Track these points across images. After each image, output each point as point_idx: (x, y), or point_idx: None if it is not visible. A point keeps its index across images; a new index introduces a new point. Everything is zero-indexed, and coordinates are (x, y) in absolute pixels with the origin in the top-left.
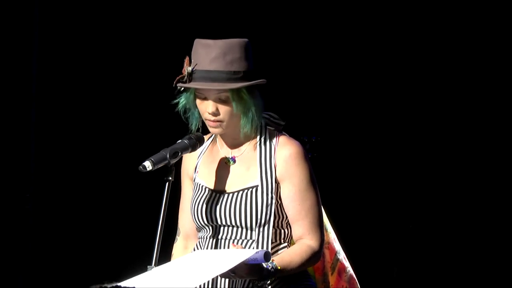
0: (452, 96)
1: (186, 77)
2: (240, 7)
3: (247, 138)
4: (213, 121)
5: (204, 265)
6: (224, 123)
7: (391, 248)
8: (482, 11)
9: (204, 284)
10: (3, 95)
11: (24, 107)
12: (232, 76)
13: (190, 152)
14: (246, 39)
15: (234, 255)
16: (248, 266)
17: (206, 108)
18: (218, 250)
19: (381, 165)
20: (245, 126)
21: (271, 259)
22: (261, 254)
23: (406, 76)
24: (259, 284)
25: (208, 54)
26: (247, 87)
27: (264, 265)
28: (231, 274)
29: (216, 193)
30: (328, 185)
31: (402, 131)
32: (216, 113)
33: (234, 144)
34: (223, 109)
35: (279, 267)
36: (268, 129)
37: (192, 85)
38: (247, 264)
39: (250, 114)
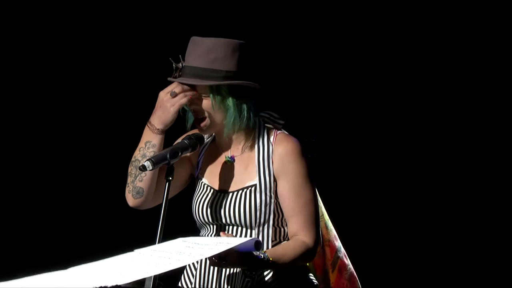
0: (452, 96)
1: (176, 72)
2: (242, 7)
3: (244, 137)
4: (197, 118)
5: (192, 249)
6: (207, 122)
7: (391, 247)
8: (482, 11)
9: (201, 276)
10: None
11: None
12: (212, 74)
13: (190, 152)
14: (238, 41)
15: (223, 242)
16: (240, 254)
17: (190, 104)
18: (208, 237)
19: (381, 164)
20: (226, 125)
21: (264, 250)
22: (252, 243)
23: (406, 76)
24: (250, 274)
25: (195, 51)
26: (230, 87)
27: (255, 253)
28: (222, 262)
29: (217, 192)
30: (328, 184)
31: (401, 130)
32: (199, 109)
33: (229, 143)
34: (205, 106)
35: (271, 259)
36: (266, 127)
37: (173, 79)
38: (238, 251)
39: (232, 114)
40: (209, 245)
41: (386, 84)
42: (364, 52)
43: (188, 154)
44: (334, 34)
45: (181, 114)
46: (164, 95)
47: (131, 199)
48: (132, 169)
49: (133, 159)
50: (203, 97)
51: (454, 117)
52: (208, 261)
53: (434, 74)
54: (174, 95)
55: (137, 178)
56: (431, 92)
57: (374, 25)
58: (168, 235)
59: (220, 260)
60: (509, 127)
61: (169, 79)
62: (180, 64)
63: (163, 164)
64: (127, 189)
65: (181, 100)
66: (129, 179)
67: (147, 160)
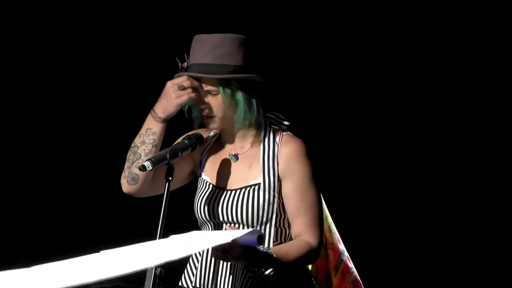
0: (452, 96)
1: (182, 72)
2: (244, 7)
3: (249, 136)
4: (206, 116)
5: (196, 240)
6: (217, 118)
7: (395, 250)
8: (482, 11)
9: (201, 275)
10: None
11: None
12: (221, 69)
13: (190, 152)
14: (242, 35)
15: (227, 234)
16: (243, 247)
17: (199, 103)
18: (212, 231)
19: (385, 167)
20: (237, 121)
21: (267, 247)
22: (255, 237)
23: (409, 77)
24: (253, 270)
25: (201, 48)
26: (239, 81)
27: (259, 248)
28: (226, 255)
29: (219, 190)
30: (331, 186)
31: (402, 131)
32: (207, 107)
33: (234, 141)
34: (214, 103)
35: (274, 255)
36: (272, 128)
37: (182, 74)
38: (242, 245)
39: (242, 108)
40: (215, 237)
41: (389, 85)
42: (367, 53)
43: (188, 154)
44: (338, 34)
45: (187, 116)
46: (171, 85)
47: (125, 185)
48: (130, 155)
49: (132, 145)
50: (211, 94)
51: (456, 117)
52: (209, 260)
53: (435, 74)
54: (182, 88)
55: (134, 164)
56: (434, 93)
57: (378, 26)
58: (168, 234)
59: (223, 253)
60: (509, 127)
61: (176, 75)
62: (185, 64)
63: (163, 164)
64: (123, 175)
65: (188, 95)
66: (126, 165)
67: (147, 160)
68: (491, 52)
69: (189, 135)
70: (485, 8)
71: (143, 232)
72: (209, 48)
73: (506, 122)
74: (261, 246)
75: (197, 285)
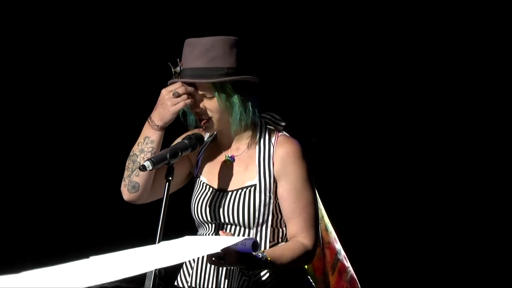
0: (452, 96)
1: (175, 77)
2: (242, 7)
3: (245, 137)
4: (202, 119)
5: (191, 247)
6: (213, 121)
7: (391, 248)
8: (482, 11)
9: (197, 275)
10: None
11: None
12: (214, 72)
13: (190, 152)
14: (233, 37)
15: (221, 241)
16: (238, 254)
17: (195, 107)
18: (207, 237)
19: (381, 166)
20: (233, 123)
21: (262, 250)
22: (250, 244)
23: (405, 76)
24: (248, 273)
25: (192, 52)
26: (233, 83)
27: (254, 254)
28: (221, 261)
29: (216, 191)
30: (328, 186)
31: (401, 131)
32: (203, 111)
33: (230, 143)
34: (209, 106)
35: (269, 259)
36: (268, 128)
37: (175, 80)
38: (237, 251)
39: (237, 110)
40: (209, 243)
41: (386, 85)
42: (364, 52)
43: (185, 155)
44: (333, 33)
45: (182, 119)
46: (166, 93)
47: (126, 193)
48: (129, 163)
49: (131, 153)
50: (206, 98)
51: (454, 117)
52: (205, 260)
53: (434, 74)
54: (177, 95)
55: (134, 173)
56: (430, 92)
57: (374, 25)
58: (167, 234)
59: (218, 259)
60: (509, 127)
61: (170, 82)
62: (178, 68)
63: (163, 164)
64: (123, 183)
65: (184, 101)
66: (126, 173)
67: (147, 160)
68: (491, 52)
69: (189, 135)
70: (485, 8)
71: (142, 233)
72: (201, 51)
73: (506, 122)
74: (257, 251)
75: (193, 285)
